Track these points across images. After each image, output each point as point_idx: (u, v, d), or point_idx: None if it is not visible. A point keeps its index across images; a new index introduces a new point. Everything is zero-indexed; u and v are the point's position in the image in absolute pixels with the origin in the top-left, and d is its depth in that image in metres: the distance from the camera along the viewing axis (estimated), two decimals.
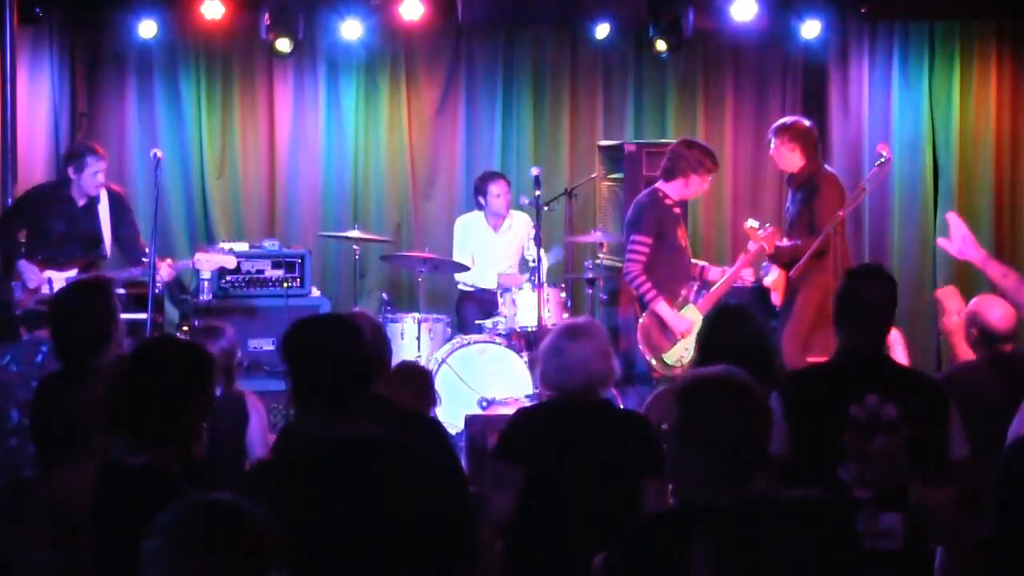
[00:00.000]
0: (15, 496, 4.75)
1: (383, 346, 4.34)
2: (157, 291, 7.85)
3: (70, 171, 7.99)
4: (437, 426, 4.70)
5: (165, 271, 7.96)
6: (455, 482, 3.36)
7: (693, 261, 7.95)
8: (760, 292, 8.05)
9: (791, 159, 7.77)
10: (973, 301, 5.85)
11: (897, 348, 7.64)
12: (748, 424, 3.08)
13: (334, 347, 3.35)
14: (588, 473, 4.43)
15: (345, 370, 3.33)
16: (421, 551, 3.23)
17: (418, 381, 5.48)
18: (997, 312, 5.60)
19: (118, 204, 8.10)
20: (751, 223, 7.75)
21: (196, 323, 8.32)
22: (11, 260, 8.03)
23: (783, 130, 7.78)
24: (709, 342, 4.69)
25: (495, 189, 9.06)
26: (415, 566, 3.23)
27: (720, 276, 7.74)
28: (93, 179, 7.93)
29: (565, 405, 4.64)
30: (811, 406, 4.14)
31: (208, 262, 8.12)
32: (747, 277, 7.78)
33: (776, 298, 7.93)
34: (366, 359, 3.38)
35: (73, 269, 7.78)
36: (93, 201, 8.05)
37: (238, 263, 8.46)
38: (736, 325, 4.68)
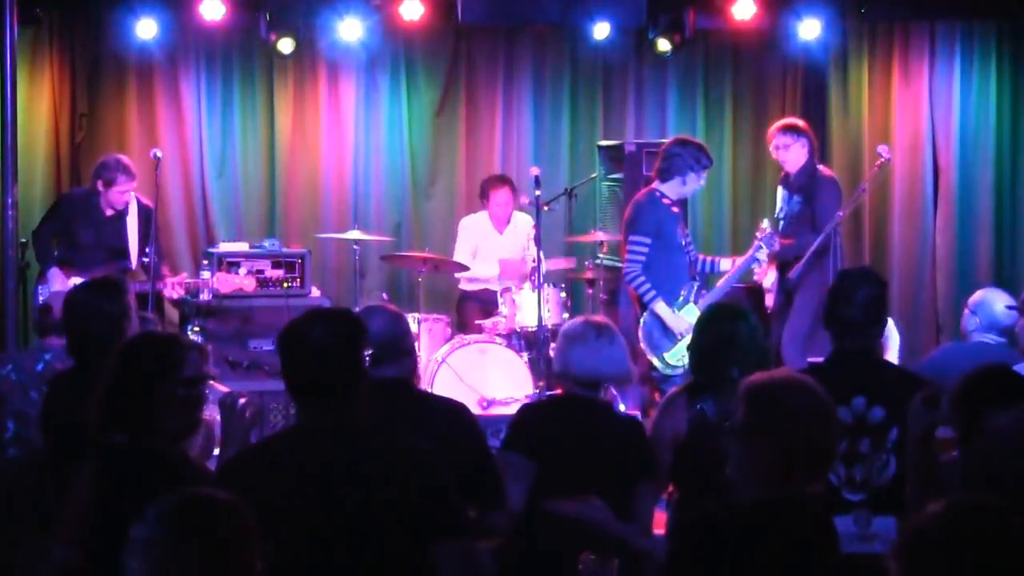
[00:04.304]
0: (11, 508, 4.74)
1: (400, 333, 4.32)
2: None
3: (99, 184, 8.11)
4: (461, 413, 4.42)
5: (172, 289, 7.99)
6: (440, 480, 3.34)
7: (701, 256, 7.96)
8: (754, 293, 8.06)
9: (799, 155, 7.84)
10: None
11: (891, 343, 7.66)
12: (821, 422, 3.09)
13: (318, 344, 3.34)
14: (584, 472, 4.43)
15: (330, 366, 3.32)
16: (390, 547, 3.24)
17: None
18: None
19: (146, 219, 8.17)
20: (766, 224, 7.78)
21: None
22: (44, 266, 8.12)
23: (794, 129, 7.89)
24: (702, 340, 4.71)
25: (500, 198, 9.06)
26: (382, 560, 3.24)
27: (729, 267, 7.76)
28: (120, 196, 8.10)
29: (570, 402, 4.67)
30: None
31: (227, 282, 8.18)
32: (763, 258, 7.73)
33: (769, 300, 7.94)
34: (351, 353, 3.36)
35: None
36: (121, 213, 8.15)
37: (238, 262, 8.50)
38: (730, 323, 4.69)
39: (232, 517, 2.43)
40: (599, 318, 4.94)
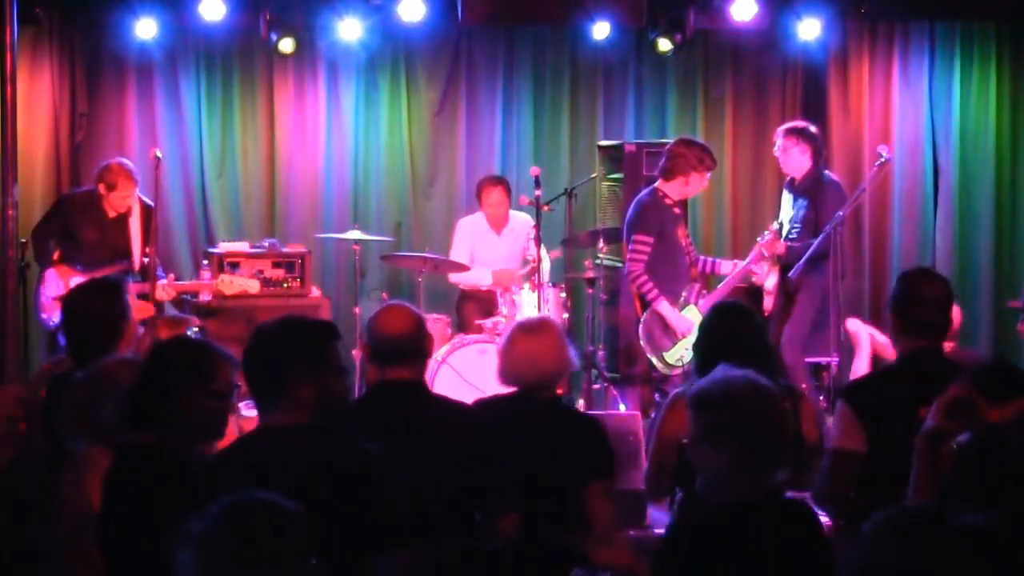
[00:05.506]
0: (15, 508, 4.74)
1: (419, 335, 4.30)
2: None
3: (101, 187, 8.10)
4: (471, 416, 4.46)
5: (162, 292, 7.95)
6: (385, 486, 3.31)
7: (703, 257, 7.96)
8: (753, 295, 8.07)
9: (801, 161, 7.82)
10: None
11: (862, 348, 7.65)
12: (773, 416, 3.12)
13: (261, 346, 3.37)
14: (531, 469, 4.39)
15: (266, 368, 3.34)
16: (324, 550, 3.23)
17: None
18: None
19: (147, 218, 8.16)
20: (775, 226, 7.78)
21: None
22: (42, 267, 8.11)
23: (796, 132, 7.85)
24: (708, 339, 4.70)
25: (493, 198, 9.00)
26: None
27: (731, 269, 7.76)
28: (122, 201, 8.08)
29: (516, 400, 4.67)
30: (881, 410, 4.09)
31: (232, 284, 8.17)
32: (759, 270, 7.76)
33: (769, 302, 7.94)
34: (296, 358, 3.34)
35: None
36: (124, 214, 8.14)
37: (238, 262, 8.50)
38: (735, 322, 4.68)
39: (291, 526, 2.41)
40: (535, 317, 4.92)
